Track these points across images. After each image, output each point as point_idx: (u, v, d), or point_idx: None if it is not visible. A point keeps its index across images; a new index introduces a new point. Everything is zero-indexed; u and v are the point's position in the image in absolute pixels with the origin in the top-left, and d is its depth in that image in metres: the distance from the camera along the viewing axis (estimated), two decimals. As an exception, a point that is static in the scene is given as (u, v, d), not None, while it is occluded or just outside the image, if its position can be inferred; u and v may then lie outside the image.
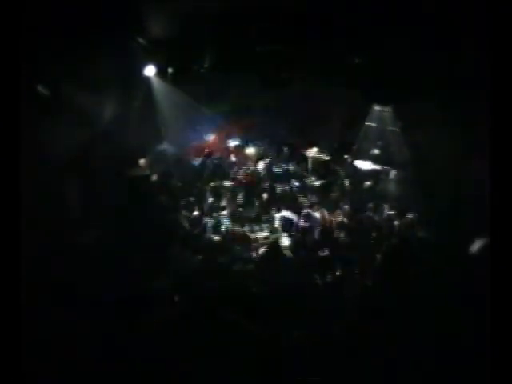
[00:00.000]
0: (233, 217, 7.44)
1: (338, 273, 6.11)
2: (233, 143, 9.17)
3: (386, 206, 7.82)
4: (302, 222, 7.31)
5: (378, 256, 6.41)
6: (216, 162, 8.59)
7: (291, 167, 8.73)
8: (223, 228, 7.17)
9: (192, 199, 7.65)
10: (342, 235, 7.06)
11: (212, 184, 8.10)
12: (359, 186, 8.43)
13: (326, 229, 7.23)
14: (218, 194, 7.91)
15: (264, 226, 7.34)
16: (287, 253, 6.67)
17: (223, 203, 7.77)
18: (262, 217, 7.54)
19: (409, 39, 5.77)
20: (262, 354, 3.60)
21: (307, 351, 3.86)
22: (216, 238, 6.93)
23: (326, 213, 7.56)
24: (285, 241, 6.96)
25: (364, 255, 6.49)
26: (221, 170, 8.52)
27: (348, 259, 6.28)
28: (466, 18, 4.76)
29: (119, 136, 6.76)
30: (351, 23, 5.80)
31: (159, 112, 7.90)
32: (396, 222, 7.45)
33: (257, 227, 7.29)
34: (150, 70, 7.26)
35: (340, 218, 7.46)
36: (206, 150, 8.72)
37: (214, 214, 7.41)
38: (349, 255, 6.42)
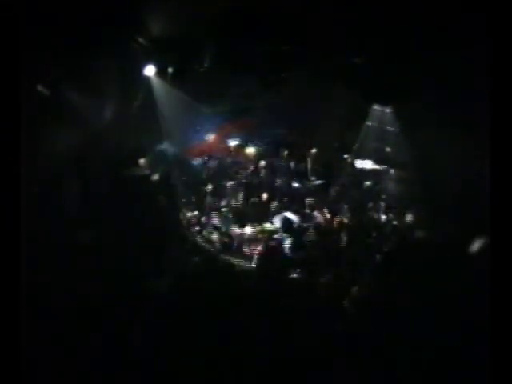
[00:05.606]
0: (233, 216, 7.44)
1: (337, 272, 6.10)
2: (233, 143, 9.18)
3: (385, 205, 7.83)
4: (302, 222, 7.31)
5: (378, 256, 6.40)
6: (216, 162, 8.60)
7: (291, 167, 8.72)
8: (223, 228, 7.17)
9: (192, 199, 7.65)
10: (341, 235, 7.06)
11: (212, 184, 8.11)
12: (359, 186, 8.43)
13: (326, 228, 7.22)
14: (218, 194, 7.91)
15: (264, 225, 7.34)
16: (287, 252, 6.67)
17: (223, 203, 7.77)
18: (262, 217, 7.53)
19: (408, 39, 5.78)
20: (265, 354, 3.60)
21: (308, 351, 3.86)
22: (215, 237, 6.93)
23: (326, 212, 7.56)
24: (285, 241, 6.96)
25: (364, 255, 6.48)
26: (220, 170, 8.54)
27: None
28: (465, 18, 4.76)
29: (119, 136, 6.75)
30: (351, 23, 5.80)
31: (159, 112, 7.88)
32: (396, 222, 7.45)
33: (257, 227, 7.29)
34: (149, 70, 7.25)
35: (340, 218, 7.46)
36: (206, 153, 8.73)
37: (214, 214, 7.41)
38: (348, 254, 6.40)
